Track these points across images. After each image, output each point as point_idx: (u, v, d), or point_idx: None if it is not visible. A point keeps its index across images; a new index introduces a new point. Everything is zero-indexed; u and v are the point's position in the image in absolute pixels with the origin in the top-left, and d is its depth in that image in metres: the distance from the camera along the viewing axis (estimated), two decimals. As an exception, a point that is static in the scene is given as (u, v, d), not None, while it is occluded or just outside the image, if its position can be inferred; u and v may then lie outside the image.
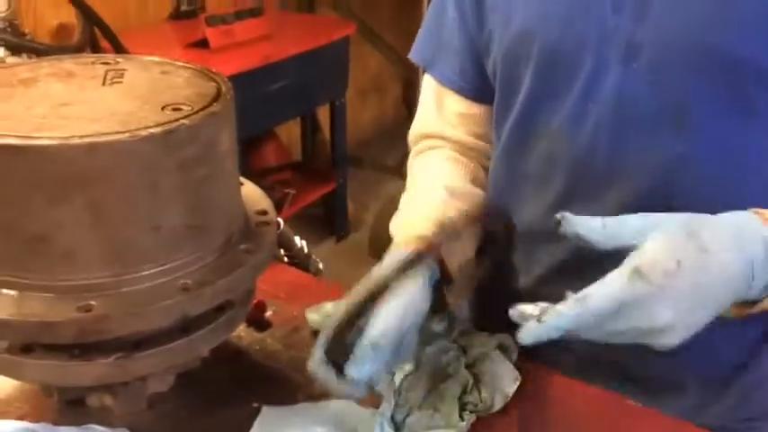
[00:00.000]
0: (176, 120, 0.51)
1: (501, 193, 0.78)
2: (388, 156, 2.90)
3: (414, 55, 0.86)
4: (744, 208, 0.57)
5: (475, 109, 0.81)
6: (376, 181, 2.82)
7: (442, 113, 0.83)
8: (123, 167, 0.48)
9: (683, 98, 0.62)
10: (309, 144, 2.64)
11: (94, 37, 1.65)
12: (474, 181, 0.80)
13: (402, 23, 3.22)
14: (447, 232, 0.61)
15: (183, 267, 0.52)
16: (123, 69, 0.60)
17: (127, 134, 0.48)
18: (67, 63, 0.60)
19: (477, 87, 0.79)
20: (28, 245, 0.48)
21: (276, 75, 2.05)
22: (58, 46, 1.33)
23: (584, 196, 0.69)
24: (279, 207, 2.27)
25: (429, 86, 0.84)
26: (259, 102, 2.03)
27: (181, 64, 0.63)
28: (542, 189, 0.73)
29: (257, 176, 2.26)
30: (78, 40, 1.31)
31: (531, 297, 0.53)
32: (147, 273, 0.50)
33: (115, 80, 0.58)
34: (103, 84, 0.57)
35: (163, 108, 0.53)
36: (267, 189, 2.36)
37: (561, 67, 0.67)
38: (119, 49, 1.60)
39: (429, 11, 0.85)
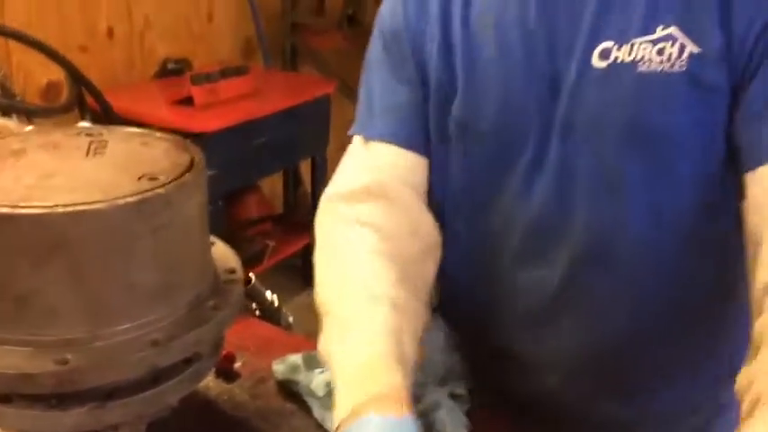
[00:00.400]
0: (151, 189, 0.57)
1: (460, 247, 0.82)
2: (368, 208, 2.96)
3: (352, 131, 0.82)
4: (678, 272, 0.63)
5: (404, 158, 0.78)
6: (356, 232, 2.88)
7: (371, 162, 0.78)
8: (102, 233, 0.54)
9: (617, 168, 0.69)
10: (291, 197, 2.70)
11: (82, 95, 1.71)
12: (404, 279, 0.70)
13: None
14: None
15: (153, 323, 0.57)
16: (106, 140, 0.66)
17: (106, 203, 0.54)
18: (56, 135, 0.66)
19: (408, 135, 0.78)
20: (12, 304, 0.53)
21: (259, 131, 2.13)
22: (48, 107, 1.38)
23: (538, 253, 0.75)
24: (259, 258, 2.32)
25: (356, 147, 0.81)
26: (243, 156, 2.10)
27: (160, 135, 0.69)
28: (500, 246, 0.78)
29: (239, 228, 2.31)
30: (66, 100, 1.37)
31: (496, 350, 0.57)
32: (120, 328, 0.55)
33: (98, 151, 0.64)
34: (87, 155, 0.63)
35: (139, 178, 0.58)
36: (248, 241, 2.41)
37: (507, 145, 0.73)
38: (104, 107, 1.66)
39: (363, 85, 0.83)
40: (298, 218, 2.64)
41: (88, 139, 0.66)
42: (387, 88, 0.79)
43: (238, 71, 2.15)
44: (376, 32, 0.82)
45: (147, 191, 0.56)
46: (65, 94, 1.88)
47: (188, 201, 0.60)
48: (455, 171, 0.78)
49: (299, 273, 2.55)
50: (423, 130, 0.78)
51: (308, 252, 2.68)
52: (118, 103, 1.90)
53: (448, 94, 0.75)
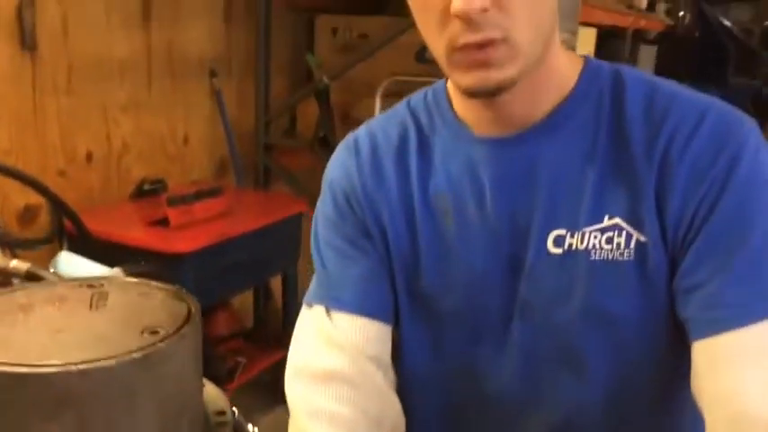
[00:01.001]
0: (153, 344, 0.61)
1: (427, 417, 0.83)
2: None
3: (305, 299, 0.84)
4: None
5: (375, 329, 0.79)
6: (327, 346, 2.89)
7: (336, 342, 0.78)
8: (108, 387, 0.58)
9: (575, 347, 0.74)
10: (261, 312, 2.72)
11: (62, 221, 1.77)
12: None
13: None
14: None
15: (151, 471, 0.60)
16: (106, 292, 0.71)
17: (114, 360, 0.58)
18: (59, 288, 0.71)
19: (379, 307, 0.80)
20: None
21: (233, 249, 2.18)
22: (31, 239, 1.43)
23: (506, 426, 0.79)
24: (231, 376, 2.31)
25: (318, 317, 0.81)
26: (216, 275, 2.14)
27: (156, 285, 0.74)
28: (467, 419, 0.81)
29: (210, 346, 2.32)
30: (49, 232, 1.42)
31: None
32: (120, 478, 0.59)
33: (100, 304, 0.69)
34: (90, 308, 0.68)
35: (142, 332, 0.63)
36: (219, 358, 2.41)
37: (472, 324, 0.78)
38: (83, 233, 1.71)
39: (316, 262, 0.85)
40: (268, 333, 2.65)
41: (90, 291, 0.71)
42: (344, 258, 0.80)
43: (213, 192, 2.22)
44: (327, 194, 0.84)
45: (149, 345, 0.61)
46: (42, 218, 1.93)
47: (186, 351, 0.65)
48: (421, 346, 0.81)
49: (270, 389, 2.54)
50: (385, 298, 0.80)
51: (278, 368, 2.68)
52: (95, 224, 1.96)
53: (411, 269, 0.79)
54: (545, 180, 0.73)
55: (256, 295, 2.72)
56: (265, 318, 2.72)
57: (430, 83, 2.74)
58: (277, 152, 2.86)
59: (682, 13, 4.73)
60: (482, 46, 0.64)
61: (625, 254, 0.70)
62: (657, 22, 4.33)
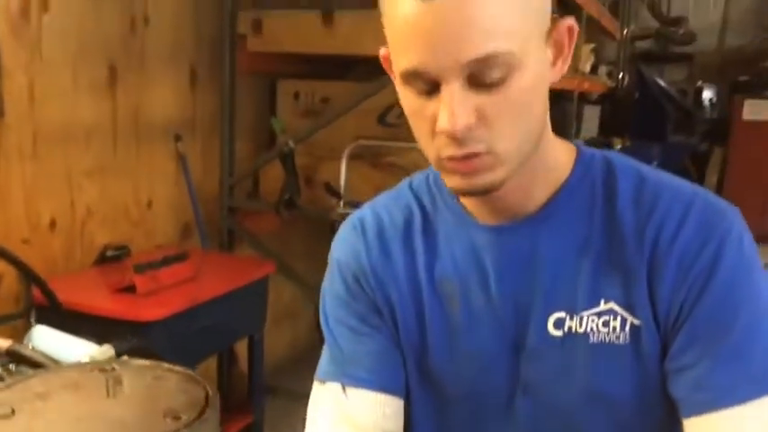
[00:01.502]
0: (177, 430, 0.62)
1: None
2: (303, 383, 2.95)
3: (317, 375, 0.86)
4: None
5: (388, 404, 0.81)
6: (293, 410, 2.84)
7: (351, 419, 0.80)
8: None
9: (578, 426, 0.77)
10: (226, 378, 2.67)
11: (29, 289, 1.73)
12: None
13: (313, 253, 3.45)
14: None
15: None
16: (120, 376, 0.71)
17: (143, 449, 0.58)
18: (72, 373, 0.71)
19: (384, 380, 0.82)
20: None
21: (201, 315, 2.15)
22: (6, 315, 1.40)
23: None
24: (198, 446, 2.25)
25: (325, 398, 0.83)
26: (184, 341, 2.10)
27: (167, 366, 0.75)
28: None
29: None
30: (24, 306, 1.40)
31: None
32: None
33: (117, 389, 0.69)
34: (107, 394, 0.68)
35: (164, 416, 0.64)
36: None
37: (479, 404, 0.80)
38: (52, 302, 1.67)
39: (327, 337, 0.86)
40: (234, 400, 2.60)
41: (103, 376, 0.71)
42: (357, 335, 0.83)
43: (179, 258, 2.21)
44: (335, 273, 0.85)
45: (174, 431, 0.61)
46: (5, 286, 1.88)
47: (208, 435, 0.65)
48: (427, 422, 0.84)
49: (237, 458, 2.48)
50: (399, 372, 0.82)
51: (247, 434, 2.63)
52: (60, 293, 1.92)
53: (418, 349, 0.82)
54: (544, 266, 0.76)
55: (220, 361, 2.68)
56: (230, 384, 2.67)
57: (393, 147, 2.81)
58: (241, 215, 2.86)
59: (621, 75, 4.98)
60: (467, 157, 0.67)
61: (621, 337, 0.73)
62: (600, 84, 4.55)
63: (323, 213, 2.57)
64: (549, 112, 0.75)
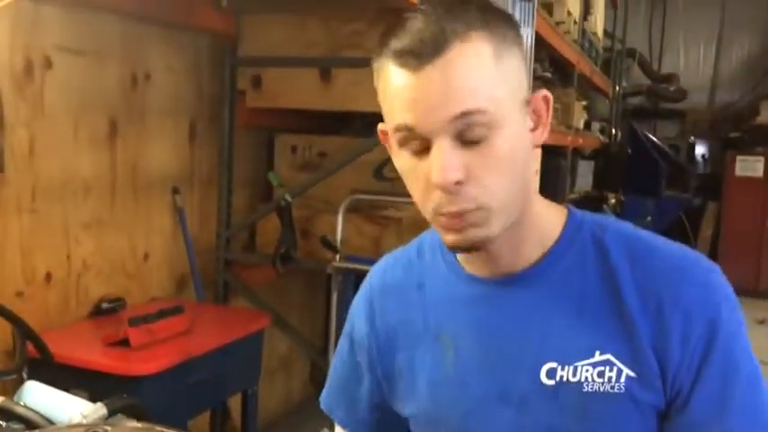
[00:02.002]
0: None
1: None
2: (297, 439, 2.92)
3: (321, 401, 0.99)
4: None
5: None
6: (286, 467, 2.80)
7: None
8: None
9: None
10: (219, 433, 2.63)
11: (23, 343, 1.72)
12: None
13: (309, 305, 3.44)
14: None
15: None
16: (113, 437, 0.71)
17: None
18: (65, 434, 0.70)
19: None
20: None
21: (195, 369, 2.13)
22: (1, 371, 1.39)
23: None
24: (188, 505, 2.20)
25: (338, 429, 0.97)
26: (177, 396, 2.08)
27: (160, 429, 0.75)
28: None
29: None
30: (17, 361, 1.39)
31: None
32: None
33: (110, 451, 0.68)
34: (102, 457, 0.67)
35: (158, 480, 0.63)
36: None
37: None
38: (45, 356, 1.66)
39: (337, 360, 0.98)
40: (226, 456, 2.56)
41: (97, 437, 0.71)
42: (345, 381, 0.95)
43: (174, 311, 2.20)
44: (346, 331, 0.96)
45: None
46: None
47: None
48: None
49: None
50: (383, 425, 0.93)
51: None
52: (54, 346, 1.91)
53: (413, 398, 0.87)
54: (536, 318, 0.79)
55: (213, 415, 2.64)
56: (223, 439, 2.62)
57: (389, 201, 2.84)
58: (237, 267, 2.87)
59: (614, 131, 5.06)
60: (459, 214, 0.73)
61: (616, 387, 0.75)
62: (593, 139, 4.62)
63: (319, 266, 2.57)
64: (536, 176, 0.78)
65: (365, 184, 2.76)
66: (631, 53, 6.38)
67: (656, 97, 6.80)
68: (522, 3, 2.37)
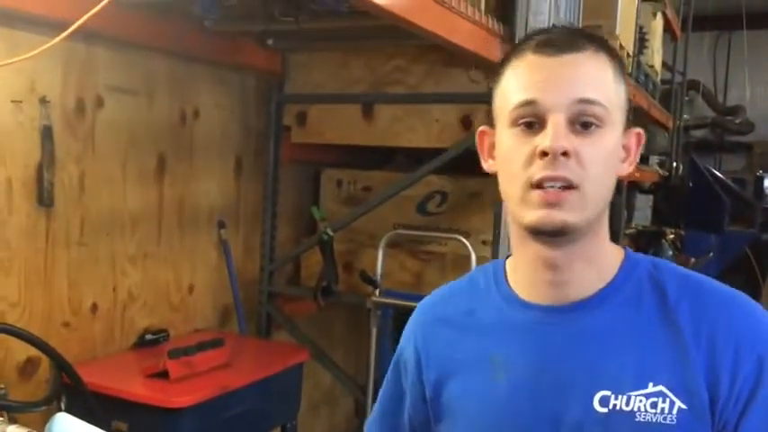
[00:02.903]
0: None
1: None
2: (338, 475, 2.89)
3: (366, 426, 1.03)
4: None
5: None
6: (325, 504, 2.77)
7: None
8: None
9: None
10: (259, 467, 2.63)
11: (59, 374, 1.77)
12: None
13: (353, 342, 3.43)
14: None
15: None
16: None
17: None
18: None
19: None
20: None
21: (233, 402, 2.15)
22: (31, 402, 1.44)
23: None
24: None
25: None
26: (214, 430, 2.09)
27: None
28: None
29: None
30: (48, 392, 1.44)
31: None
32: None
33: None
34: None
35: None
36: None
37: None
38: (80, 387, 1.71)
39: (385, 387, 1.02)
40: (265, 491, 2.55)
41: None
42: (390, 408, 0.99)
43: (214, 344, 2.22)
44: (394, 360, 1.00)
45: None
46: (43, 370, 1.93)
47: None
48: None
49: None
50: None
51: None
52: (94, 377, 1.96)
53: (461, 422, 0.89)
54: (591, 346, 0.82)
55: (253, 449, 2.64)
56: (262, 473, 2.62)
57: (432, 237, 2.82)
58: (280, 300, 2.89)
59: (675, 165, 4.91)
60: (559, 182, 0.77)
61: (668, 418, 0.77)
62: (651, 173, 4.49)
63: (359, 301, 2.57)
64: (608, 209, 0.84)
65: (409, 218, 2.76)
66: (694, 85, 6.22)
67: (722, 129, 6.60)
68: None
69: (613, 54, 0.83)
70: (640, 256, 0.88)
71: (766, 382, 0.76)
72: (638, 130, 0.84)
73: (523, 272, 0.88)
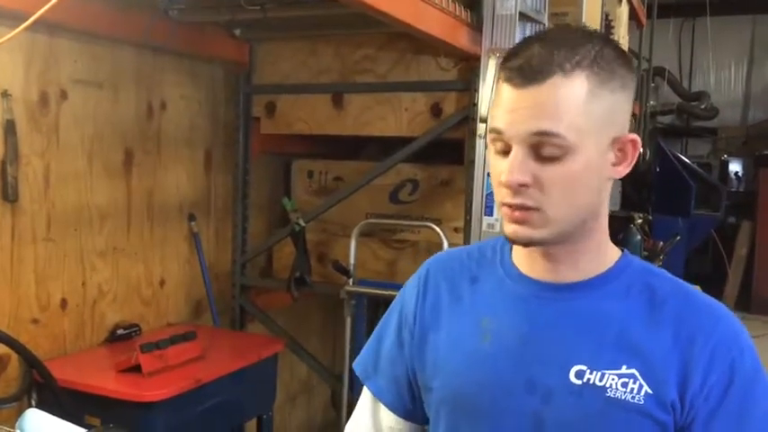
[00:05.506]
0: None
1: None
2: (315, 465, 2.90)
3: (356, 366, 1.06)
4: None
5: (405, 426, 1.02)
6: (303, 494, 2.78)
7: (375, 423, 1.03)
8: None
9: None
10: (235, 459, 2.63)
11: (29, 371, 1.75)
12: None
13: (327, 332, 3.44)
14: None
15: None
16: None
17: None
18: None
19: (408, 409, 1.01)
20: None
21: (207, 395, 2.13)
22: (1, 399, 1.41)
23: None
24: None
25: (366, 395, 1.04)
26: (189, 423, 2.08)
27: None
28: None
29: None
30: (18, 389, 1.41)
31: None
32: None
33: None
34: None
35: None
36: None
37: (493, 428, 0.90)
38: (50, 384, 1.69)
39: (377, 327, 1.06)
40: (242, 483, 2.55)
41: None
42: (391, 355, 1.01)
43: (187, 336, 2.21)
44: (396, 303, 1.04)
45: None
46: (12, 367, 1.90)
47: None
48: None
49: None
50: (419, 402, 0.99)
51: None
52: (66, 373, 1.94)
53: (444, 373, 0.94)
54: (576, 323, 0.88)
55: (229, 441, 2.63)
56: (239, 466, 2.62)
57: (405, 225, 2.83)
58: (254, 293, 2.88)
59: (642, 151, 4.98)
60: (518, 207, 0.84)
61: (636, 398, 0.83)
62: (619, 158, 4.54)
63: (333, 291, 2.57)
64: (607, 215, 0.90)
65: (381, 208, 2.76)
66: (660, 72, 6.31)
67: (687, 115, 6.70)
68: (533, 24, 2.36)
69: (601, 63, 0.83)
70: (636, 258, 0.93)
71: (736, 384, 0.82)
72: (633, 136, 0.87)
73: (524, 251, 0.94)
